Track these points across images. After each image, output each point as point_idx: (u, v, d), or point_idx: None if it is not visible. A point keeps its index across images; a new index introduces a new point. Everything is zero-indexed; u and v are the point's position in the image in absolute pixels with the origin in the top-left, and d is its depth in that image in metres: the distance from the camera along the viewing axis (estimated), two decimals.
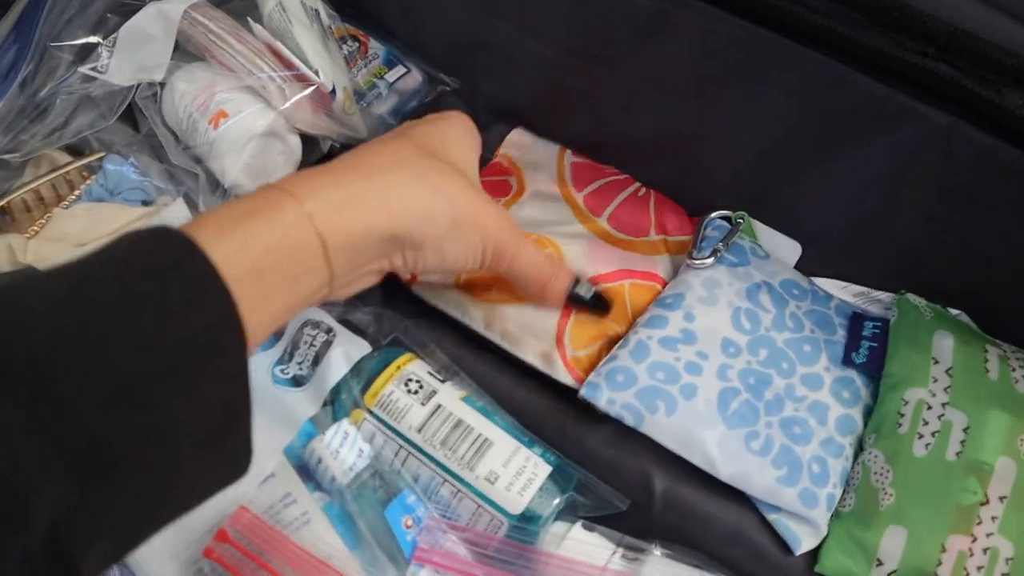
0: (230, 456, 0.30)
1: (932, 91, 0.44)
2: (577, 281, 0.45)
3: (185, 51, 0.58)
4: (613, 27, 0.48)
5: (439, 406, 0.46)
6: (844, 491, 0.45)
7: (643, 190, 0.58)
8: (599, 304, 0.46)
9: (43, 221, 0.55)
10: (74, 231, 0.54)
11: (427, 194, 0.37)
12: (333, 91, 0.53)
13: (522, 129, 0.61)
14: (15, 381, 0.24)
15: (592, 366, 0.47)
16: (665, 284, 0.52)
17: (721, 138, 0.52)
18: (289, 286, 0.33)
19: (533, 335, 0.47)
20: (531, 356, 0.48)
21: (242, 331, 0.29)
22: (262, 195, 0.34)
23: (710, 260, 0.50)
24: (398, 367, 0.47)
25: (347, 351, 0.47)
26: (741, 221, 0.53)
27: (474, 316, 0.49)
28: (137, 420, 0.25)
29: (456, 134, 0.43)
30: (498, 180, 0.58)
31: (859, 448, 0.46)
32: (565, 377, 0.47)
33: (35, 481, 0.23)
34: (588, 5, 0.45)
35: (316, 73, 0.53)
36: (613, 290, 0.50)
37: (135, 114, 0.60)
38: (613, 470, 0.46)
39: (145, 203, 0.57)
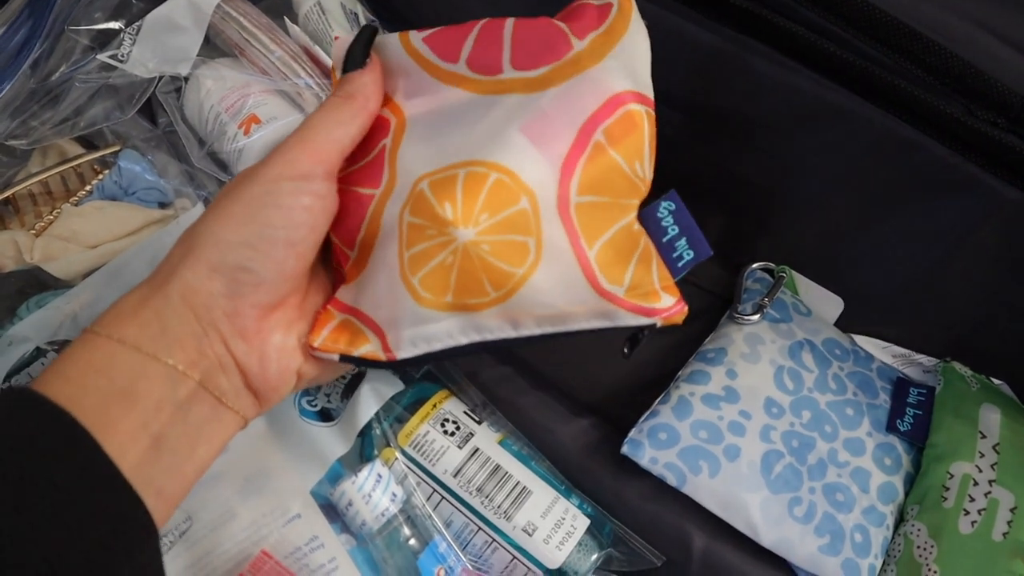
0: None
1: (1002, 163, 0.43)
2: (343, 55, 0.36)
3: (213, 46, 0.55)
4: (674, 63, 0.47)
5: (476, 449, 0.43)
6: (884, 563, 0.44)
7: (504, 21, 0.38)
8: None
9: (51, 217, 0.51)
10: (84, 231, 0.50)
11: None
12: None
13: None
14: None
15: (641, 283, 0.35)
16: (638, 97, 0.35)
17: (775, 185, 0.50)
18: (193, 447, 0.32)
19: (570, 302, 0.35)
20: (585, 323, 0.36)
21: (151, 526, 0.28)
22: (128, 367, 0.30)
23: (755, 317, 0.49)
24: (434, 405, 0.44)
25: (377, 388, 0.44)
26: (784, 275, 0.52)
27: (492, 327, 0.36)
28: None
29: None
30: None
31: (899, 518, 0.45)
32: (633, 320, 0.35)
33: None
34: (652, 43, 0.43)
35: None
36: (593, 163, 0.35)
37: (153, 106, 0.56)
38: (650, 525, 0.44)
39: (162, 204, 0.54)
